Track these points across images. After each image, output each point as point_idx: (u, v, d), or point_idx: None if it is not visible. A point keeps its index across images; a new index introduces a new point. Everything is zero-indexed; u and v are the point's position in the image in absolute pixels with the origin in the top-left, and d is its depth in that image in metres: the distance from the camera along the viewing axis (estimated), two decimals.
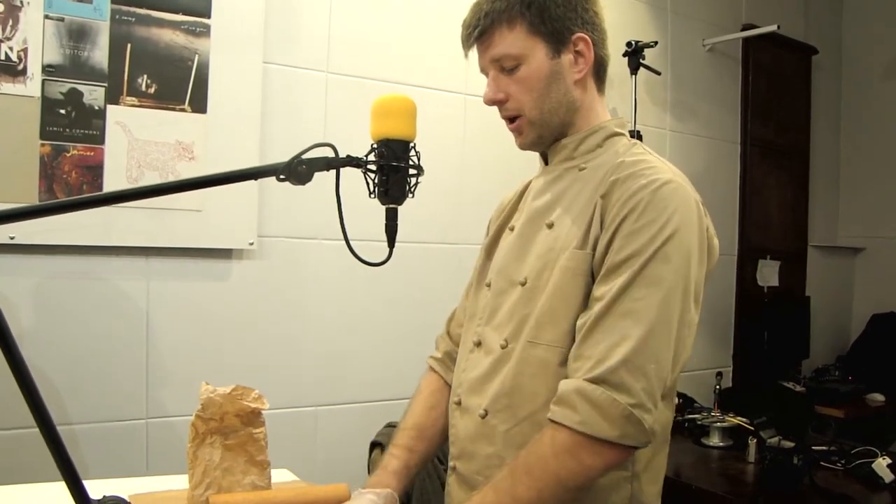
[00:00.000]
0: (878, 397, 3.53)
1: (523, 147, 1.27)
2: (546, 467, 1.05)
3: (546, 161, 1.31)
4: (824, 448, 2.67)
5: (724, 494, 2.33)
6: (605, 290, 1.08)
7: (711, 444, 2.76)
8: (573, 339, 1.12)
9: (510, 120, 1.25)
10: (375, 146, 1.06)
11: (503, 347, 1.21)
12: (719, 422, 2.77)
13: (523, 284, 1.21)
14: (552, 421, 1.06)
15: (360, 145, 1.10)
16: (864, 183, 4.07)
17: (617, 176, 1.14)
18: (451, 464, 1.29)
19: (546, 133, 1.24)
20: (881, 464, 2.41)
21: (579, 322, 1.11)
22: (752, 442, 2.60)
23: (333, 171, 1.04)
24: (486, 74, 1.25)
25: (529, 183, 1.37)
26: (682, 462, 2.59)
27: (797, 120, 3.88)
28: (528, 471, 1.06)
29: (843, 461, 2.56)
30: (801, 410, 3.21)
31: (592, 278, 1.13)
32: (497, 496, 1.06)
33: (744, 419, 2.74)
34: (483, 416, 1.21)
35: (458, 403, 1.28)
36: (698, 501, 2.33)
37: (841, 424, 3.33)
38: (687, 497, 2.33)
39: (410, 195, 1.09)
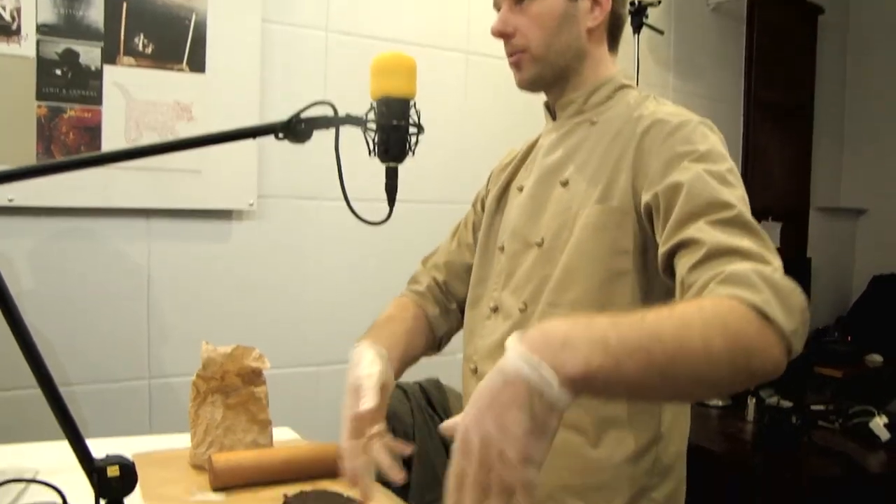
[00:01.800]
0: (877, 358, 3.54)
1: (521, 84, 1.23)
2: (727, 324, 0.78)
3: (553, 116, 1.28)
4: (822, 408, 2.70)
5: (724, 453, 2.36)
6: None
7: (711, 403, 2.78)
8: (595, 298, 1.08)
9: (512, 55, 1.21)
10: (375, 105, 1.05)
11: (522, 311, 1.17)
12: None
13: (540, 245, 1.17)
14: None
15: (360, 104, 1.09)
16: (867, 144, 4.04)
17: (648, 123, 1.10)
18: None
19: (547, 73, 1.20)
20: (878, 422, 2.44)
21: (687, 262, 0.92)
22: (751, 401, 2.62)
23: (333, 130, 1.03)
24: (498, 9, 1.22)
25: (537, 140, 1.33)
26: None
27: (801, 80, 3.83)
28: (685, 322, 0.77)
29: (840, 420, 2.58)
30: (800, 370, 3.22)
31: (643, 227, 1.05)
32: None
33: None
34: None
35: (475, 371, 1.24)
36: (698, 459, 2.35)
37: (839, 384, 3.35)
38: (687, 455, 2.35)
39: (411, 154, 1.08)
